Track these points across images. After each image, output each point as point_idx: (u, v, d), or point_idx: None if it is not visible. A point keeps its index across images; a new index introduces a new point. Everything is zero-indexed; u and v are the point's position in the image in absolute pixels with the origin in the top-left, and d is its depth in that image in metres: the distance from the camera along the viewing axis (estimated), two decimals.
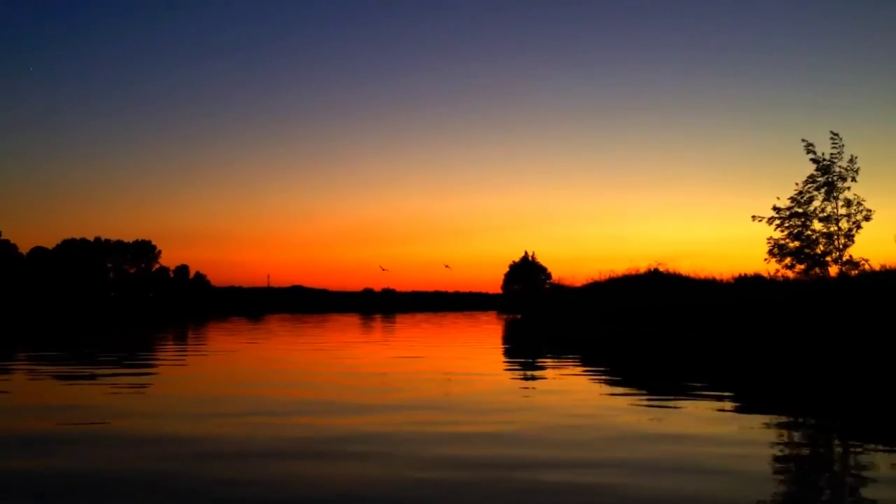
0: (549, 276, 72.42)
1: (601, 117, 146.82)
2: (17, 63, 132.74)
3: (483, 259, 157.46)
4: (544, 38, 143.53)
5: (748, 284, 22.57)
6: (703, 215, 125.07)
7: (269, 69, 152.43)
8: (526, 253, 74.76)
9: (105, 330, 39.20)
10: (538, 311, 58.03)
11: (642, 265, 27.91)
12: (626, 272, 28.51)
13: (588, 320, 28.01)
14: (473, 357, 21.92)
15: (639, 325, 22.98)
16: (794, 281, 22.95)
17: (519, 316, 70.29)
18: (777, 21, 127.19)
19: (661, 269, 26.45)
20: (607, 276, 30.64)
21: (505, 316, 79.85)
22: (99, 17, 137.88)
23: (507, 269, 77.99)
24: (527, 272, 73.15)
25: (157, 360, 20.91)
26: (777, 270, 24.11)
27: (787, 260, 23.81)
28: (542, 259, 77.34)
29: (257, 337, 32.53)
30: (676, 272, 25.83)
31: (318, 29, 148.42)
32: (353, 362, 19.71)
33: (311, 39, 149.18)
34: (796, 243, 23.74)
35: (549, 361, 20.26)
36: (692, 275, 25.22)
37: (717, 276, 24.15)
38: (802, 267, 23.49)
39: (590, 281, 33.04)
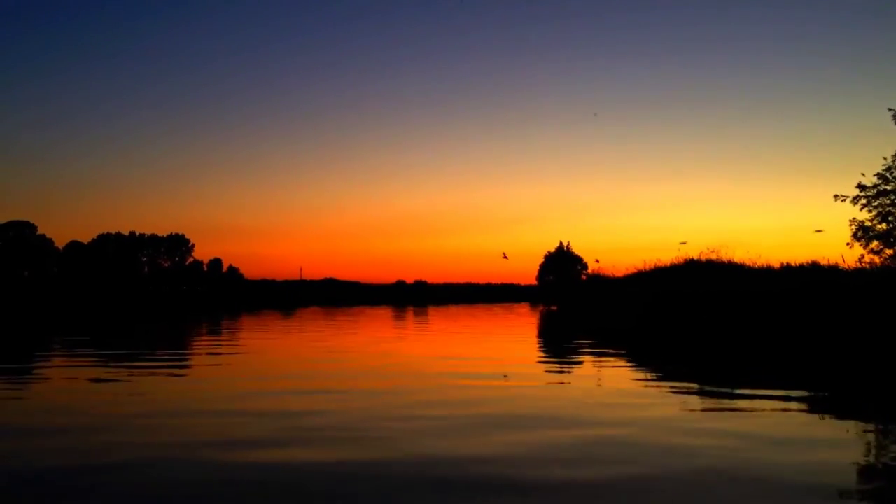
0: (584, 266, 70.60)
1: (638, 107, 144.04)
2: (51, 60, 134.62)
3: (516, 250, 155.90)
4: (580, 28, 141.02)
5: (807, 272, 20.73)
6: (741, 205, 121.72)
7: (300, 63, 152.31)
8: (561, 243, 73.13)
9: (147, 323, 38.74)
10: (575, 303, 56.47)
11: (691, 253, 26.32)
12: (674, 261, 26.91)
13: (632, 311, 26.52)
14: (529, 358, 20.63)
15: (691, 316, 21.44)
16: (859, 270, 20.91)
17: (554, 307, 68.80)
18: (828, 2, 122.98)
19: (713, 257, 24.80)
20: (653, 266, 28.99)
21: (540, 307, 78.33)
22: (133, 13, 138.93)
23: (541, 260, 76.55)
24: (562, 263, 71.43)
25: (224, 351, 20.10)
26: (862, 256, 21.32)
27: (875, 244, 21.21)
28: (576, 250, 75.74)
29: (297, 333, 31.63)
30: (731, 260, 24.15)
31: (350, 21, 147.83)
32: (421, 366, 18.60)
33: (343, 32, 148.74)
34: (883, 225, 21.25)
35: (615, 362, 18.83)
36: (749, 263, 23.52)
37: (779, 263, 22.18)
38: (891, 252, 20.87)
39: (633, 270, 31.42)
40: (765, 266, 22.54)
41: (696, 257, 25.59)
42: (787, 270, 20.89)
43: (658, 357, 18.24)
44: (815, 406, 10.83)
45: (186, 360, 19.12)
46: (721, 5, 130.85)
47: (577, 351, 19.86)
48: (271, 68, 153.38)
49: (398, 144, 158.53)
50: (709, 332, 20.31)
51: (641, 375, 14.62)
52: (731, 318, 19.42)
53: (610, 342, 21.92)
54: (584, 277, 69.14)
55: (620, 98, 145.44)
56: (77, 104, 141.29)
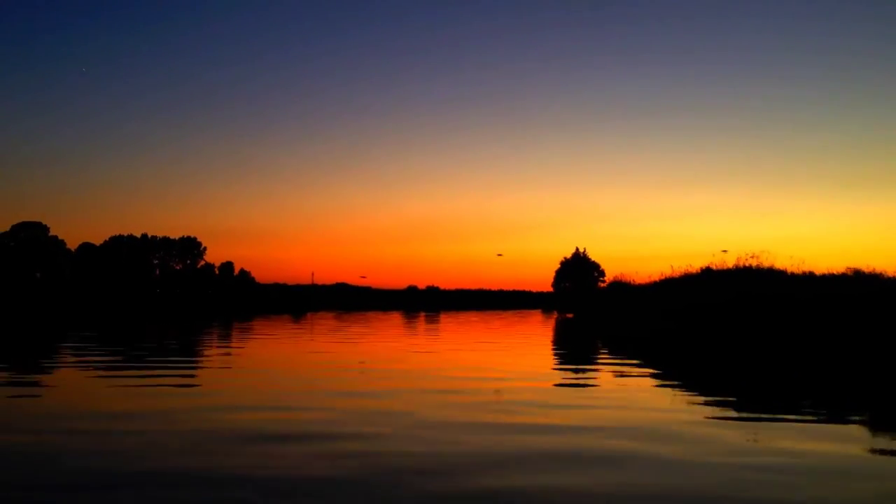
0: (602, 273, 69.30)
1: (652, 115, 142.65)
2: (68, 64, 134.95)
3: (527, 257, 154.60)
4: (598, 35, 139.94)
5: (855, 281, 19.50)
6: (759, 215, 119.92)
7: (312, 69, 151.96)
8: (577, 249, 71.70)
9: (159, 326, 37.92)
10: (593, 310, 55.21)
11: (729, 261, 24.90)
12: (709, 266, 25.41)
13: (660, 319, 25.35)
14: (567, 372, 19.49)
15: (729, 324, 20.26)
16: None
17: (570, 315, 67.49)
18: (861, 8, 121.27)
19: (753, 262, 23.42)
20: (682, 272, 27.57)
21: (554, 314, 76.97)
22: (146, 19, 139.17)
23: (555, 267, 75.12)
24: (579, 269, 70.03)
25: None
26: None
27: None
28: (592, 257, 74.19)
29: (310, 340, 30.67)
30: (772, 266, 22.79)
31: (362, 28, 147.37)
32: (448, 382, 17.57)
33: (355, 39, 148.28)
34: None
35: (644, 377, 17.74)
36: (791, 269, 22.16)
37: (826, 271, 20.83)
38: None
39: (662, 277, 30.08)
40: (807, 273, 21.28)
41: (735, 264, 24.04)
42: (830, 278, 19.68)
43: (706, 377, 16.89)
44: (876, 429, 9.73)
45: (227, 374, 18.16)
46: (749, 12, 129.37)
47: (625, 374, 18.55)
48: (284, 74, 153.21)
49: (412, 150, 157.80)
50: (754, 341, 19.15)
51: (704, 408, 13.50)
52: (781, 327, 18.23)
53: (644, 355, 20.82)
54: (601, 284, 67.89)
55: (634, 106, 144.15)
56: (90, 107, 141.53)
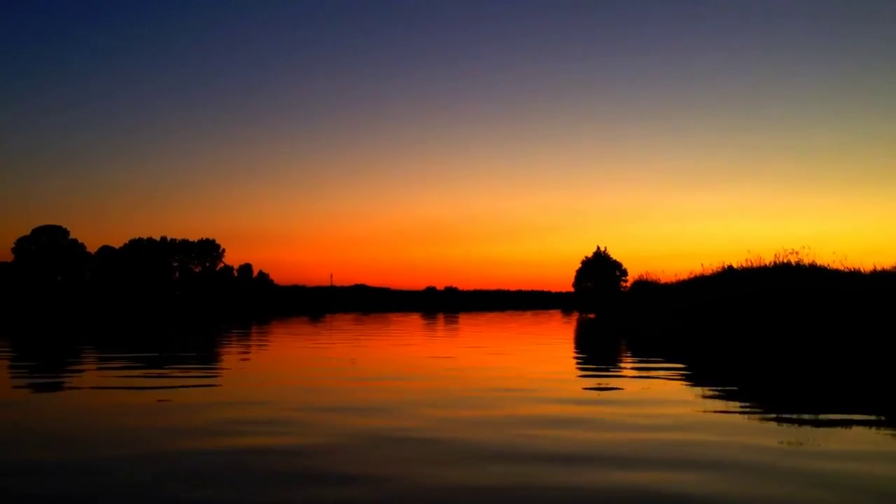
0: (624, 272, 67.94)
1: (673, 113, 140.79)
2: (83, 65, 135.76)
3: (546, 258, 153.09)
4: (618, 32, 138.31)
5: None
6: (778, 215, 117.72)
7: (330, 70, 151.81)
8: (598, 248, 70.39)
9: (180, 331, 37.38)
10: (615, 310, 54.00)
11: (765, 257, 23.44)
12: (744, 265, 23.98)
13: (692, 321, 24.20)
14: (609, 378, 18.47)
15: (775, 326, 19.06)
16: None
17: (592, 315, 66.25)
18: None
19: (793, 259, 21.99)
20: (716, 269, 26.14)
21: (574, 314, 75.69)
22: (164, 20, 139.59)
23: (575, 267, 73.72)
24: (600, 268, 68.70)
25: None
26: None
27: None
28: (613, 257, 72.66)
29: (351, 341, 29.87)
30: (814, 263, 21.39)
31: (378, 29, 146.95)
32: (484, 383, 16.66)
33: (370, 41, 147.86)
34: None
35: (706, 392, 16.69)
36: (835, 266, 20.79)
37: (875, 268, 19.45)
38: None
39: (692, 275, 28.72)
40: (853, 269, 19.99)
41: (773, 261, 22.59)
42: (883, 275, 18.36)
43: (752, 382, 15.88)
44: None
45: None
46: (774, 7, 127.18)
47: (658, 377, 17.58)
48: (301, 77, 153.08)
49: (430, 151, 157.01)
50: (796, 343, 18.00)
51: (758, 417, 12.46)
52: (825, 327, 17.05)
53: (677, 355, 19.73)
54: (624, 284, 66.56)
55: (654, 104, 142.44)
56: (109, 109, 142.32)
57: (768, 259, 22.77)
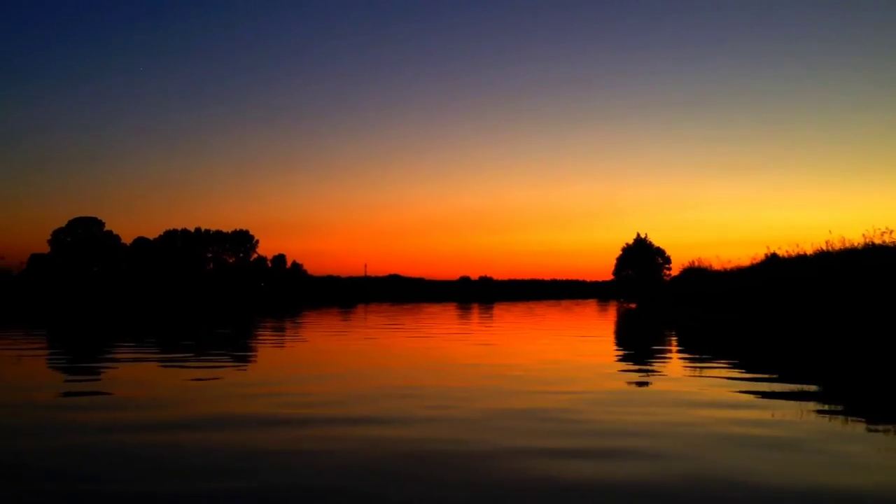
0: (667, 259, 65.25)
1: (713, 99, 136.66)
2: (127, 60, 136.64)
3: (580, 246, 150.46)
4: (657, 20, 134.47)
5: None
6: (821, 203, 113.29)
7: (364, 61, 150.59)
8: (638, 235, 67.69)
9: (215, 321, 36.36)
10: (660, 299, 51.66)
11: (853, 237, 20.79)
12: (824, 247, 21.27)
13: (761, 310, 22.06)
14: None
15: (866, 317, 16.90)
16: None
17: (633, 305, 63.85)
18: None
19: (887, 240, 19.22)
20: (788, 254, 23.48)
21: (612, 304, 73.28)
22: (201, 15, 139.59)
23: (614, 255, 71.03)
24: (642, 256, 66.08)
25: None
26: None
27: None
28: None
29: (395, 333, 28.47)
30: None
31: (412, 18, 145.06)
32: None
33: (406, 28, 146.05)
34: None
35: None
36: None
37: None
38: None
39: (754, 261, 26.19)
40: None
41: (863, 242, 19.82)
42: None
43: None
44: None
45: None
46: None
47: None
48: (334, 66, 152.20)
49: (463, 140, 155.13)
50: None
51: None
52: None
53: (745, 353, 17.71)
54: (668, 272, 64.01)
55: (692, 91, 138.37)
56: (143, 101, 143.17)
57: (858, 240, 20.01)
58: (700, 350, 18.91)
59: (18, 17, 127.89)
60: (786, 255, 23.15)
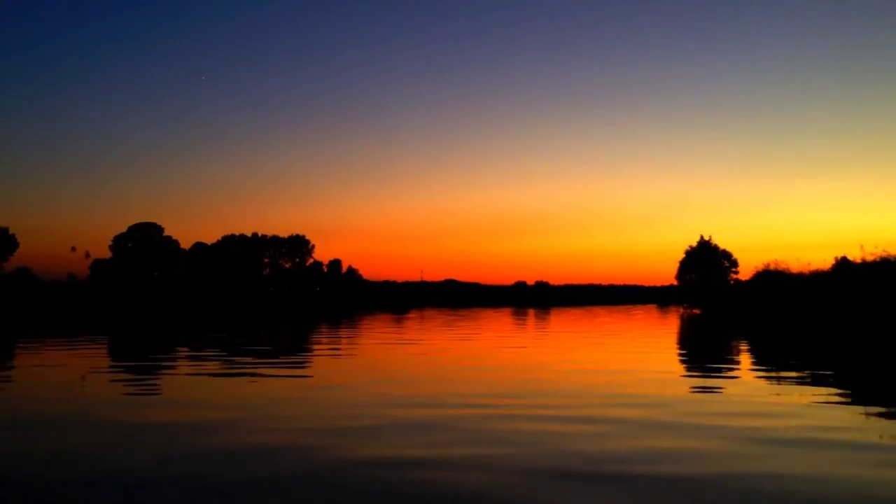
0: (734, 262, 61.92)
1: (777, 99, 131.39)
2: (189, 73, 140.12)
3: (638, 250, 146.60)
4: (714, 19, 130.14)
5: None
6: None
7: (418, 67, 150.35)
8: (702, 237, 64.42)
9: (275, 326, 35.78)
10: (728, 305, 48.86)
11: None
12: None
13: (853, 320, 19.86)
14: None
15: None
16: None
17: (697, 311, 60.88)
18: None
19: None
20: (880, 256, 21.29)
21: (672, 309, 70.24)
22: (260, 29, 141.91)
23: (676, 258, 67.62)
24: (706, 259, 62.91)
25: None
26: None
27: None
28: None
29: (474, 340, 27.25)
30: None
31: (466, 18, 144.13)
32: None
33: (455, 34, 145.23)
34: None
35: None
36: None
37: None
38: None
39: (856, 261, 23.53)
40: None
41: None
42: None
43: None
44: None
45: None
46: None
47: None
48: (394, 74, 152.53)
49: (520, 143, 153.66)
50: None
51: None
52: None
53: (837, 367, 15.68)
54: (734, 275, 60.82)
55: (756, 92, 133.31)
56: (202, 109, 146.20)
57: None
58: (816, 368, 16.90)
59: (99, 30, 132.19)
60: (868, 258, 20.95)
